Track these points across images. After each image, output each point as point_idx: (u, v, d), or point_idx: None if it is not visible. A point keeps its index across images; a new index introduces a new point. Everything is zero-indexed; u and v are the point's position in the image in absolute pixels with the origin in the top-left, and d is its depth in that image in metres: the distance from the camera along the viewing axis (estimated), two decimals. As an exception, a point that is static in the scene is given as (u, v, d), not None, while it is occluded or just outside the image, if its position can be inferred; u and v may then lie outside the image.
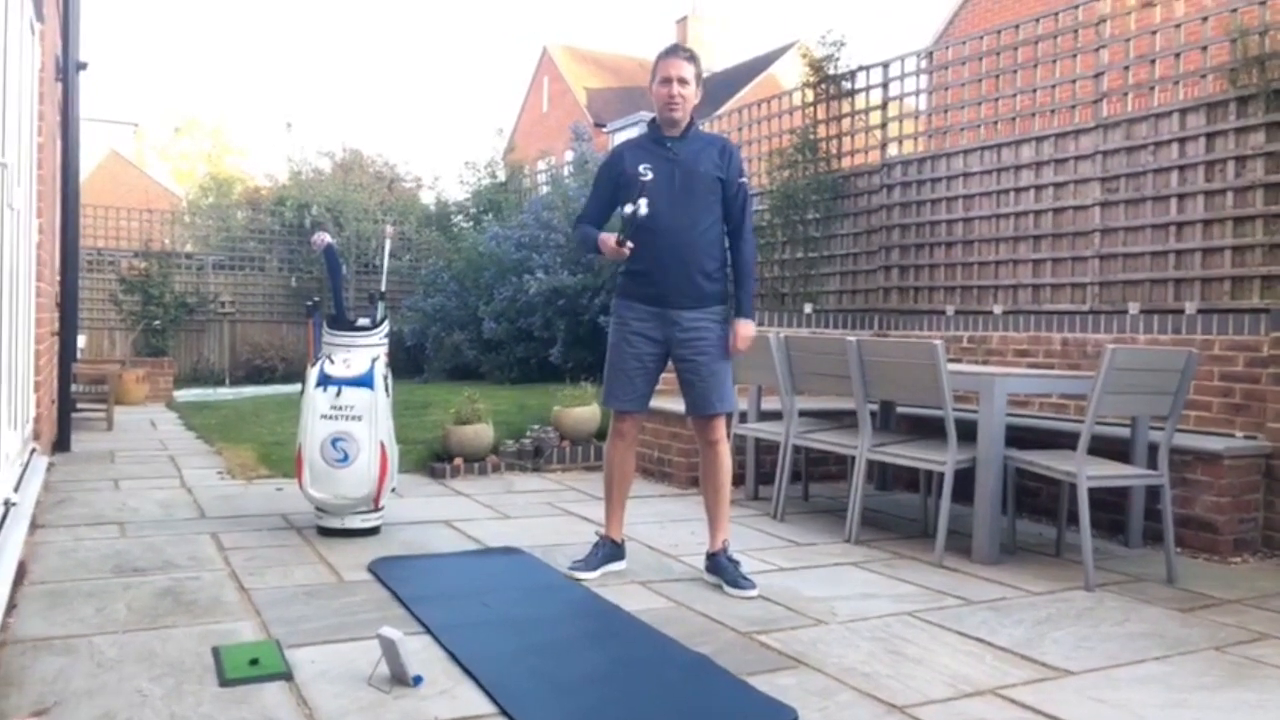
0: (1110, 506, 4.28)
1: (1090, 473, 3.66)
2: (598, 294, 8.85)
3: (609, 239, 3.34)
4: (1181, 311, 5.07)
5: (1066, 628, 3.02)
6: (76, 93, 6.30)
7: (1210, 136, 5.17)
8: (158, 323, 12.74)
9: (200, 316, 14.00)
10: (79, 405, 7.34)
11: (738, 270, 3.49)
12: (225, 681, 2.35)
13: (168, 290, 13.05)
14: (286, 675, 2.40)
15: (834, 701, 2.35)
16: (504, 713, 2.22)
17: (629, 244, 3.28)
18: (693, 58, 3.42)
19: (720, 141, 3.54)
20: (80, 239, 7.09)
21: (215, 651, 2.55)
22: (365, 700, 2.27)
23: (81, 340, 9.83)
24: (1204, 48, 5.29)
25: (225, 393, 11.53)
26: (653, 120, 3.50)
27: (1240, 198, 5.04)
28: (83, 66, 6.38)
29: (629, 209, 3.26)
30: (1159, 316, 5.06)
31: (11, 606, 2.83)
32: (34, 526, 3.86)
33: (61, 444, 6.23)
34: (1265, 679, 2.61)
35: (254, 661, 2.46)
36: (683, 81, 3.36)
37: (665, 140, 3.44)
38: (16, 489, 3.79)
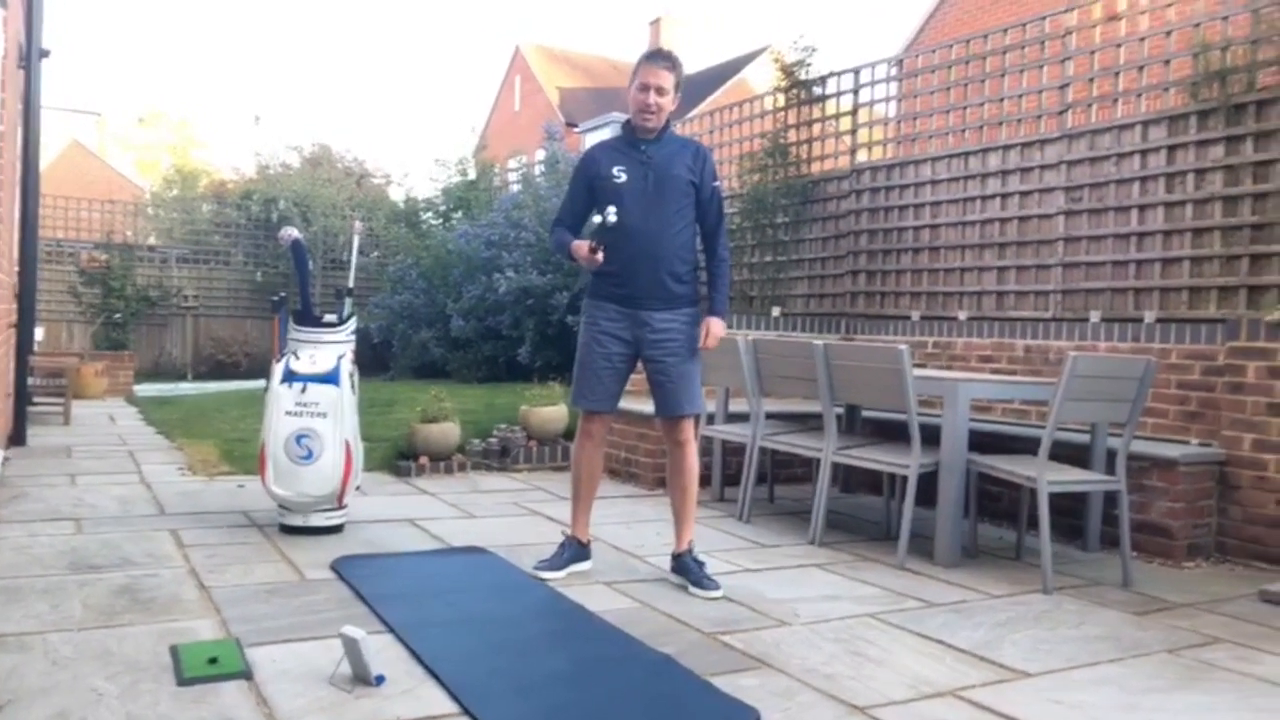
0: (1069, 511, 4.35)
1: (1050, 478, 3.71)
2: (567, 294, 8.84)
3: (581, 246, 3.34)
4: (1141, 320, 5.17)
5: (1025, 630, 3.07)
6: (39, 81, 6.19)
7: (1171, 149, 5.27)
8: (118, 316, 12.51)
9: (162, 310, 13.78)
10: (36, 399, 7.21)
11: (712, 271, 3.50)
12: (183, 680, 2.32)
13: (129, 283, 12.82)
14: (246, 674, 2.38)
15: (796, 702, 2.37)
16: (467, 712, 2.21)
17: (600, 252, 3.29)
18: (675, 66, 3.41)
19: (694, 145, 3.54)
20: (40, 229, 6.95)
21: (173, 650, 2.51)
22: (326, 700, 2.25)
23: (39, 333, 9.64)
24: (1167, 61, 5.39)
25: (187, 388, 11.37)
26: (627, 121, 3.50)
27: (1199, 210, 5.14)
28: (45, 54, 6.26)
29: (598, 219, 3.27)
30: (1119, 325, 5.15)
31: (-37, 603, 2.78)
32: (-13, 522, 3.79)
33: (17, 438, 6.11)
34: (1217, 681, 2.66)
35: (213, 660, 2.43)
36: (660, 91, 3.36)
37: (639, 143, 3.44)
38: (-30, 483, 3.71)
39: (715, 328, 3.45)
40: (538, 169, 12.47)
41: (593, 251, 3.29)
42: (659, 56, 3.43)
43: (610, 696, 2.38)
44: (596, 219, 3.29)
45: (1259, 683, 2.66)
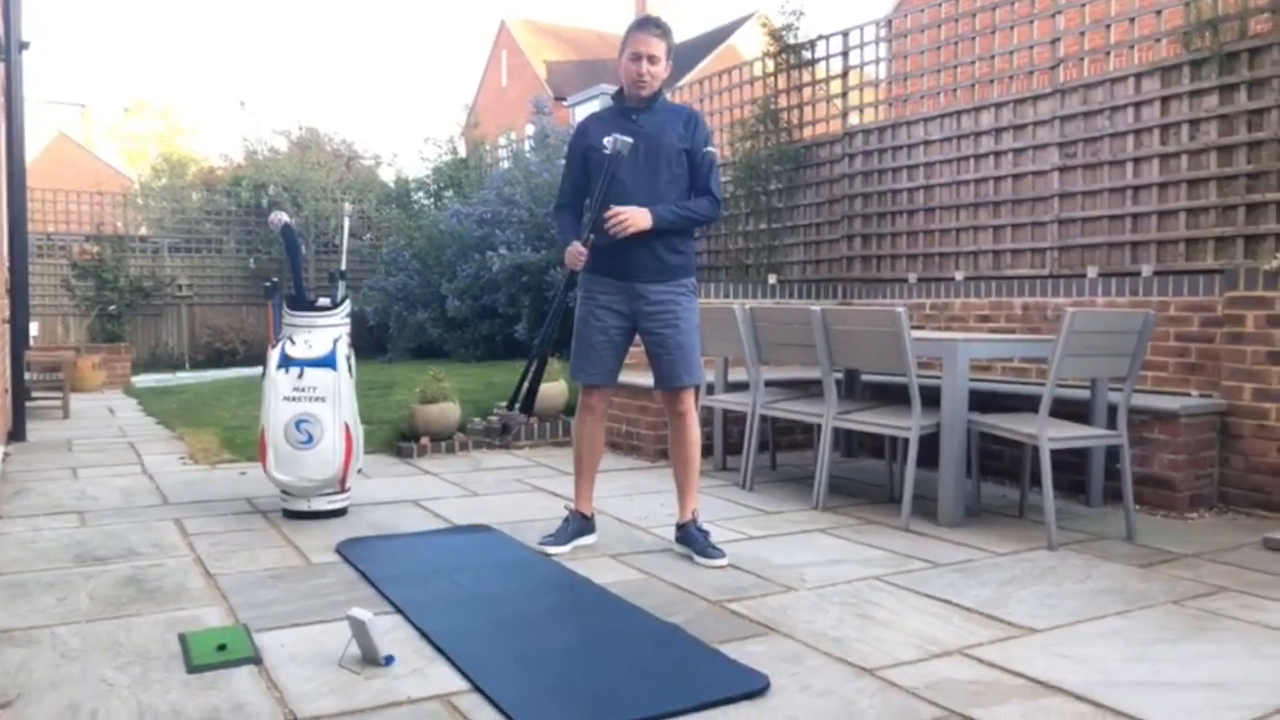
0: (1071, 467, 4.36)
1: (1052, 434, 3.71)
2: (562, 269, 8.80)
3: (576, 251, 3.33)
4: (1138, 274, 5.15)
5: (1031, 587, 3.08)
6: (20, 73, 6.12)
7: (1165, 100, 5.23)
8: (113, 308, 12.47)
9: (157, 300, 13.72)
10: (34, 394, 7.20)
11: (686, 202, 3.37)
12: (193, 668, 2.32)
13: (122, 274, 12.77)
14: (255, 660, 2.38)
15: (805, 666, 2.38)
16: (478, 689, 2.22)
17: (590, 240, 3.30)
18: (665, 33, 3.36)
19: (686, 112, 3.50)
20: (29, 223, 6.91)
21: (182, 638, 2.52)
22: (337, 682, 2.26)
23: (34, 327, 9.60)
24: (1158, 12, 5.33)
25: (185, 377, 11.35)
26: (619, 91, 3.46)
27: (1194, 160, 5.11)
28: (25, 45, 6.19)
29: (609, 145, 3.23)
30: (1116, 279, 5.13)
31: (-30, 599, 2.78)
32: (-9, 518, 3.78)
33: (17, 433, 6.11)
34: (1222, 630, 2.67)
35: (222, 647, 2.44)
36: (653, 60, 3.31)
37: (630, 113, 3.40)
38: (-29, 480, 3.71)
39: (637, 213, 3.24)
40: (527, 144, 12.38)
41: (586, 244, 3.30)
42: (649, 24, 3.38)
43: (620, 668, 2.39)
44: (609, 144, 3.25)
45: (1266, 630, 2.67)
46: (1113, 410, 4.01)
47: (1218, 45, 4.96)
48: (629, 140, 3.26)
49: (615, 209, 3.26)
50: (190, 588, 3.00)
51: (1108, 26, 5.61)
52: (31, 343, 7.59)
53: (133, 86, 58.68)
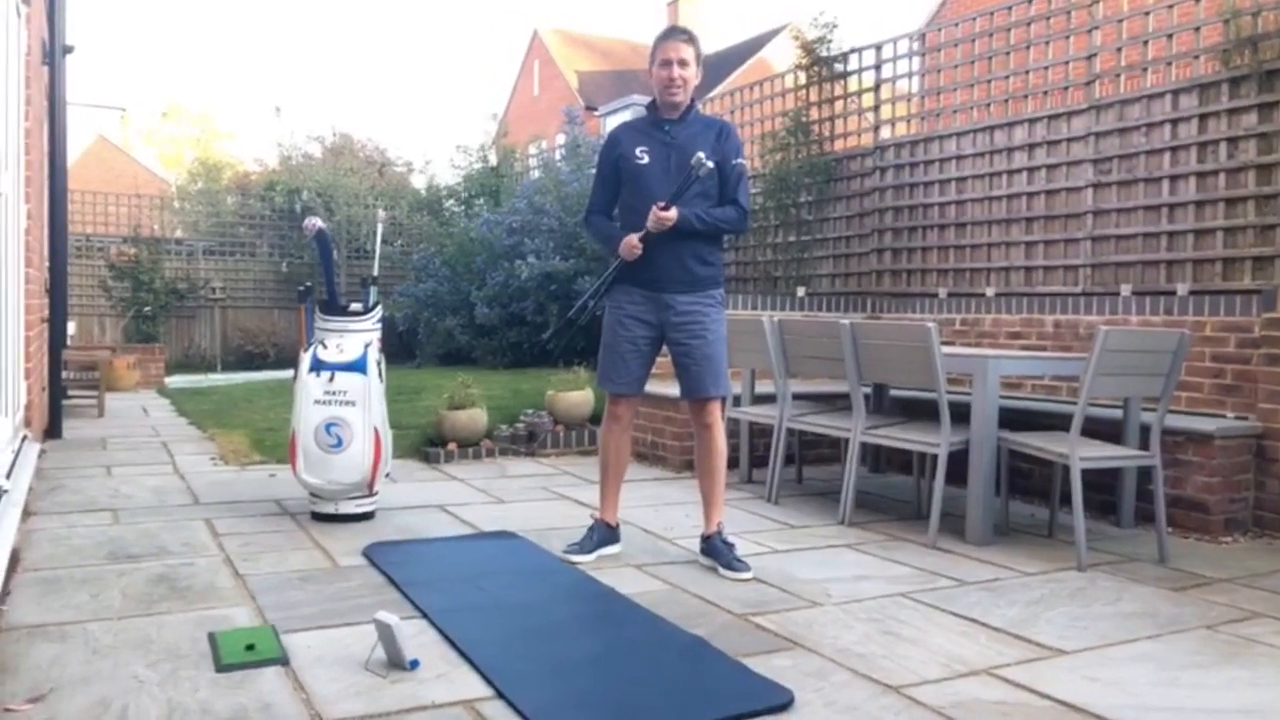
0: (1102, 487, 4.30)
1: (1083, 454, 3.67)
2: (590, 278, 8.83)
3: (633, 243, 3.30)
4: (1174, 293, 5.09)
5: (1059, 607, 3.04)
6: (63, 77, 6.24)
7: (1203, 118, 5.17)
8: (148, 309, 12.67)
9: (191, 303, 13.93)
10: (70, 392, 7.32)
11: (714, 209, 3.38)
12: (222, 667, 2.35)
13: (158, 276, 12.97)
14: (283, 660, 2.40)
15: (830, 682, 2.37)
16: (501, 696, 2.22)
17: (646, 235, 3.29)
18: (692, 39, 3.39)
19: (719, 124, 3.51)
20: (69, 225, 7.03)
21: (211, 637, 2.55)
22: (362, 685, 2.27)
23: (71, 327, 9.77)
24: (1197, 29, 5.28)
25: (217, 379, 11.49)
26: (652, 102, 3.48)
27: (1232, 179, 5.05)
28: (69, 50, 6.31)
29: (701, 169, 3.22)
30: (1151, 298, 5.07)
31: (5, 594, 2.83)
32: (26, 514, 3.85)
33: (53, 431, 6.21)
34: (1257, 657, 2.63)
35: (250, 647, 2.46)
36: (683, 63, 3.33)
37: (663, 123, 3.42)
38: (8, 476, 3.77)
39: (666, 212, 3.24)
40: (558, 154, 12.44)
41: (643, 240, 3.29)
42: (675, 31, 3.42)
43: (644, 679, 2.39)
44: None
45: (1300, 658, 2.62)
46: (1145, 430, 3.96)
47: (1257, 63, 4.91)
48: (710, 166, 3.24)
49: (658, 211, 3.26)
50: (220, 587, 3.04)
51: (1145, 43, 5.56)
52: (69, 342, 7.72)
53: (170, 91, 59.66)
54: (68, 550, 3.44)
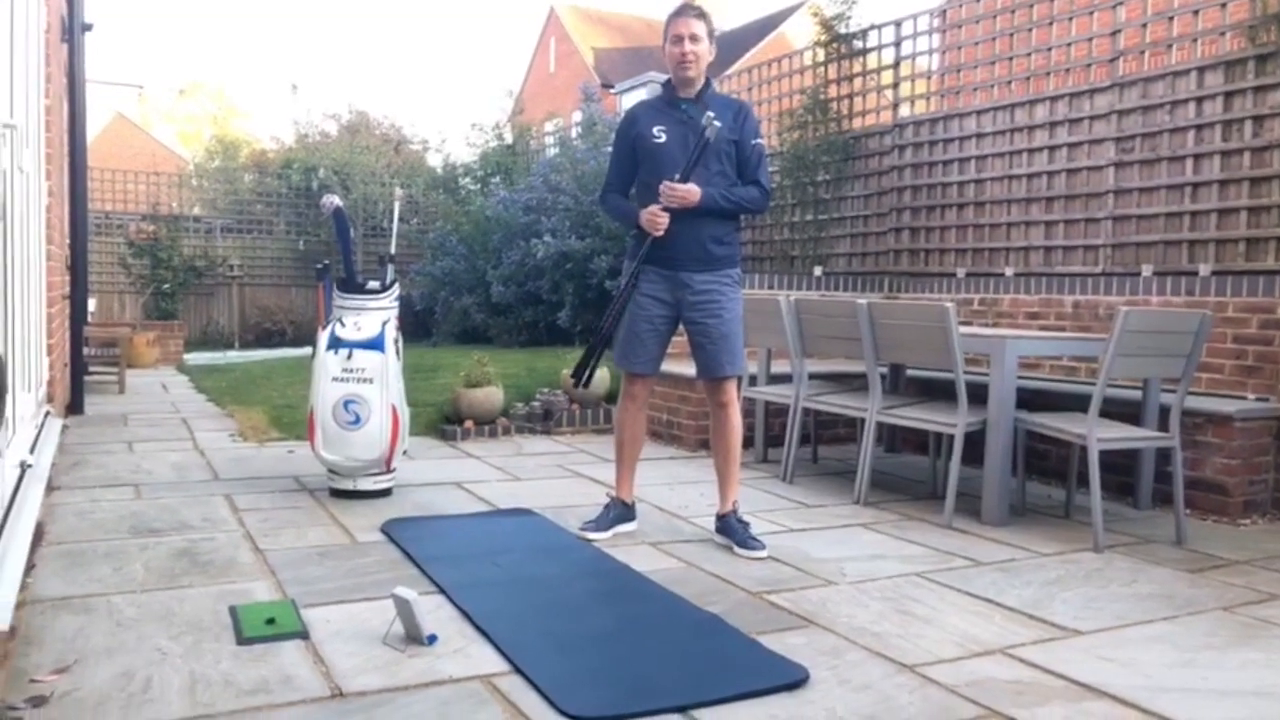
0: (1120, 469, 4.28)
1: (1101, 435, 3.65)
2: (606, 257, 8.82)
3: (654, 215, 3.29)
4: (1195, 273, 5.04)
5: (1075, 588, 3.04)
6: (82, 54, 6.26)
7: (1228, 95, 5.10)
8: (167, 286, 12.75)
9: (209, 280, 14.00)
10: (91, 368, 7.38)
11: (735, 188, 3.38)
12: (243, 640, 2.38)
13: (176, 253, 13.04)
14: (303, 634, 2.43)
15: (844, 660, 2.38)
16: (518, 670, 2.25)
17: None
18: (703, 15, 3.38)
19: (736, 104, 3.50)
20: (89, 202, 7.08)
21: (232, 611, 2.58)
22: (381, 659, 2.30)
23: (92, 304, 9.86)
24: (1223, 4, 5.19)
25: (235, 356, 11.57)
26: (668, 81, 3.47)
27: (1257, 158, 4.98)
28: (88, 27, 6.33)
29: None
30: (1172, 278, 5.02)
31: (30, 567, 2.87)
32: (50, 488, 3.90)
33: (75, 407, 6.27)
34: (1273, 639, 2.62)
35: (271, 621, 2.49)
36: (694, 39, 3.32)
37: (680, 102, 3.40)
38: (32, 451, 3.82)
39: (687, 189, 3.25)
40: (574, 131, 12.40)
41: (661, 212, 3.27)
42: (686, 8, 3.41)
43: (659, 655, 2.41)
44: None
45: (1318, 640, 2.61)
46: (1165, 412, 3.94)
47: (1285, 40, 4.82)
48: (718, 124, 3.24)
49: (670, 184, 3.26)
50: (240, 562, 3.07)
51: (1170, 19, 5.48)
52: (89, 319, 7.80)
53: (188, 69, 59.65)
54: (91, 524, 3.48)
